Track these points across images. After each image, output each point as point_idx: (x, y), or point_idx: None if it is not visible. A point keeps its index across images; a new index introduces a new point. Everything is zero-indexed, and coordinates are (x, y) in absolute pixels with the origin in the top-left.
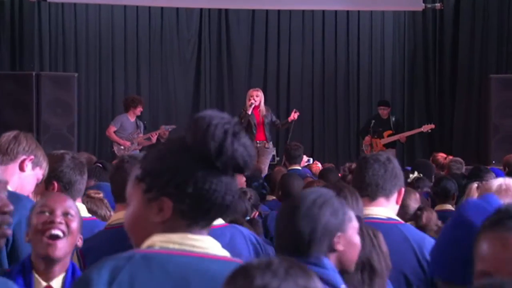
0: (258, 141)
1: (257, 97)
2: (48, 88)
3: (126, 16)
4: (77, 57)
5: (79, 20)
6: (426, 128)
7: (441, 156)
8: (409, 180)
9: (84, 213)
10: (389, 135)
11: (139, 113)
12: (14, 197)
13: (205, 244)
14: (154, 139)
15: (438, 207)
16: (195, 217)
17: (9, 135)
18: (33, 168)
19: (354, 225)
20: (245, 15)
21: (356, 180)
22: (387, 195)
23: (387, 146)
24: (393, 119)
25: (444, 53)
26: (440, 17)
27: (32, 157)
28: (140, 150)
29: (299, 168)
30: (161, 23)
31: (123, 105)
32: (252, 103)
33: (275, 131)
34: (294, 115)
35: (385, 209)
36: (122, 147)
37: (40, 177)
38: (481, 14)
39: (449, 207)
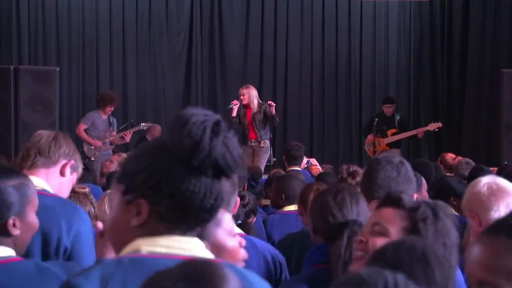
0: (251, 140)
1: (244, 96)
2: (27, 83)
3: (112, 5)
4: (58, 50)
5: (61, 10)
6: (433, 126)
7: (450, 156)
8: None
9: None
10: (393, 134)
11: (109, 112)
12: (72, 208)
13: (193, 246)
14: (128, 138)
15: None
16: (174, 220)
17: (48, 135)
18: (71, 173)
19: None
20: (239, 4)
21: (367, 182)
22: None
23: (391, 145)
24: (398, 117)
25: (453, 46)
26: (449, 6)
27: (72, 162)
28: (114, 151)
29: (299, 169)
30: (149, 13)
31: (96, 101)
32: (232, 106)
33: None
34: (271, 103)
35: None
36: (92, 147)
37: (75, 182)
38: (493, 2)
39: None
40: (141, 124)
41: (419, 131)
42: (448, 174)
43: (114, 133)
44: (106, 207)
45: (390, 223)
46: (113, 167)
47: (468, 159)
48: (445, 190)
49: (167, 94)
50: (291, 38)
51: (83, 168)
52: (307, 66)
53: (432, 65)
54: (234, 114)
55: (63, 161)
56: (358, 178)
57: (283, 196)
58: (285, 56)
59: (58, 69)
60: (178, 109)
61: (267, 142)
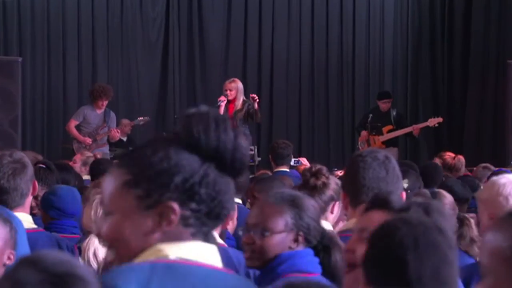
0: None
1: (231, 91)
2: None
3: None
4: (21, 38)
5: None
6: (433, 122)
7: (449, 155)
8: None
9: (29, 224)
10: (389, 131)
11: (102, 107)
12: (5, 216)
13: (215, 255)
14: (117, 136)
15: None
16: (197, 224)
17: None
18: None
19: None
20: None
21: (352, 184)
22: None
23: (388, 143)
24: (394, 112)
25: (454, 35)
26: None
27: None
28: (111, 150)
29: (287, 170)
30: None
31: (88, 95)
32: (220, 103)
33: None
34: (254, 97)
35: None
36: (82, 144)
37: None
38: None
39: None
40: (138, 118)
41: (415, 128)
42: (447, 174)
43: (115, 128)
44: (94, 213)
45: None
46: (77, 167)
47: (486, 164)
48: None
49: (141, 87)
50: (277, 26)
51: (45, 169)
52: (295, 58)
53: (432, 56)
54: (222, 111)
55: None
56: (324, 179)
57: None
58: (271, 45)
59: (20, 59)
60: (153, 102)
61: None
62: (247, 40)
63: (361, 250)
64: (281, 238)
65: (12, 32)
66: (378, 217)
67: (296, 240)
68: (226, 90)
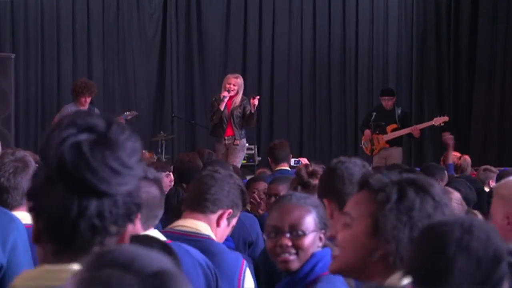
0: (226, 137)
1: (235, 86)
2: None
3: None
4: (14, 34)
5: None
6: (439, 121)
7: (454, 155)
8: None
9: (28, 221)
10: (393, 130)
11: (85, 104)
12: (5, 216)
13: (64, 275)
14: None
15: None
16: (52, 239)
17: None
18: None
19: None
20: None
21: (335, 189)
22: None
23: (392, 143)
24: (399, 111)
25: (461, 31)
26: None
27: None
28: None
29: (287, 168)
30: None
31: (71, 92)
32: (224, 97)
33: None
34: (253, 101)
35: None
36: None
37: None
38: None
39: None
40: (124, 113)
41: (415, 129)
42: (452, 175)
43: None
44: None
45: (357, 210)
46: None
47: (487, 166)
48: None
49: (138, 85)
50: (278, 21)
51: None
52: (296, 54)
53: (437, 52)
54: (223, 107)
55: None
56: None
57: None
58: (272, 42)
59: (13, 56)
60: (150, 100)
61: (243, 140)
62: (247, 36)
63: (341, 233)
64: (313, 237)
65: (5, 28)
66: (357, 199)
67: (320, 239)
68: (230, 85)
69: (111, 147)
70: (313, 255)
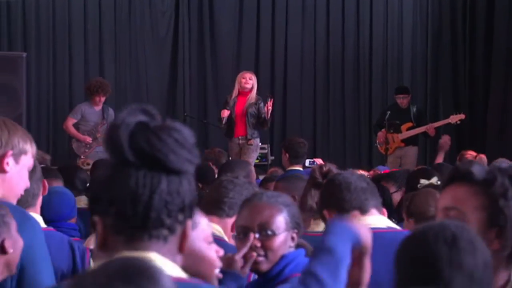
0: (239, 137)
1: (250, 80)
2: None
3: None
4: (25, 33)
5: None
6: (455, 119)
7: (470, 154)
8: (419, 186)
9: (41, 224)
10: (408, 129)
11: (99, 103)
12: (21, 215)
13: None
14: None
15: None
16: (124, 227)
17: None
18: (16, 162)
19: None
20: None
21: (335, 199)
22: None
23: (407, 142)
24: (414, 109)
25: (476, 27)
26: None
27: (9, 151)
28: None
29: (301, 169)
30: None
31: (85, 91)
32: (223, 118)
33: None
34: (268, 107)
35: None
36: (82, 143)
37: (31, 162)
38: None
39: None
40: None
41: (430, 127)
42: None
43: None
44: None
45: (464, 204)
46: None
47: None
48: None
49: (150, 83)
50: (291, 18)
51: (44, 168)
52: (309, 52)
53: (452, 49)
54: (224, 122)
55: None
56: None
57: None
58: (285, 40)
59: (25, 55)
60: (162, 99)
61: (257, 139)
62: (260, 34)
63: None
64: (284, 237)
65: (16, 26)
66: (460, 192)
67: (292, 239)
68: (245, 79)
69: (172, 128)
70: (284, 256)
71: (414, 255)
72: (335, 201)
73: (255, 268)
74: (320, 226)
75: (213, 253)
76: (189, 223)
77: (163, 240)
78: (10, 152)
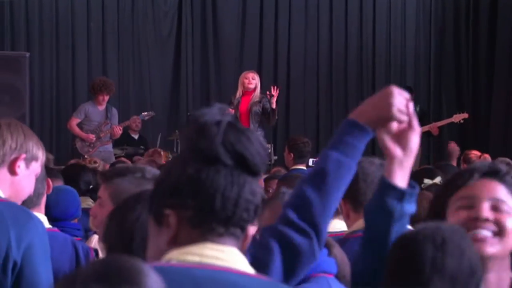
0: None
1: (253, 80)
2: None
3: None
4: (28, 33)
5: None
6: (458, 118)
7: (474, 154)
8: (422, 186)
9: (45, 224)
10: None
11: (103, 102)
12: (25, 214)
13: (229, 256)
14: (118, 134)
15: None
16: (205, 221)
17: None
18: (27, 166)
19: None
20: None
21: (350, 190)
22: None
23: None
24: (417, 108)
25: (480, 27)
26: None
27: (23, 154)
28: (122, 148)
29: (304, 169)
30: None
31: (88, 90)
32: (244, 91)
33: (268, 126)
34: (273, 90)
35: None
36: (86, 143)
37: (39, 170)
38: None
39: None
40: (142, 113)
41: (433, 127)
42: None
43: (116, 125)
44: None
45: (508, 202)
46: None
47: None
48: None
49: (153, 84)
50: (294, 19)
51: (46, 167)
52: (312, 52)
53: (456, 48)
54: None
55: (11, 158)
56: None
57: None
58: (288, 40)
59: (28, 54)
60: (165, 99)
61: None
62: (263, 34)
63: (508, 222)
64: None
65: (19, 26)
66: (489, 187)
67: None
68: (248, 79)
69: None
70: None
71: (401, 253)
72: (351, 192)
73: None
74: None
75: None
76: (250, 230)
77: (236, 238)
78: (24, 156)
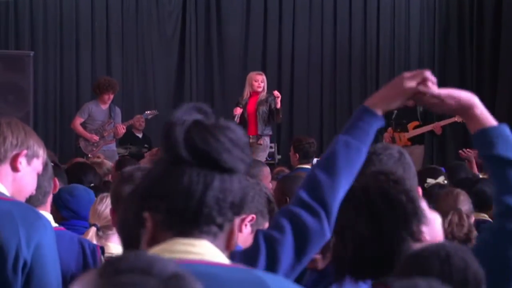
0: (250, 136)
1: (262, 83)
2: None
3: None
4: (32, 32)
5: None
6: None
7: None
8: (426, 186)
9: (52, 222)
10: (415, 127)
11: (108, 101)
12: (33, 214)
13: (201, 249)
14: (121, 133)
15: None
16: (176, 223)
17: None
18: (28, 162)
19: None
20: None
21: None
22: None
23: (413, 141)
24: (421, 108)
25: (484, 25)
26: None
27: (24, 151)
28: (125, 147)
29: (309, 167)
30: None
31: (92, 90)
32: (236, 115)
33: (274, 123)
34: (277, 101)
35: None
36: (89, 142)
37: (40, 168)
38: None
39: (485, 216)
40: (145, 112)
41: (436, 126)
42: (480, 175)
43: (120, 124)
44: (100, 207)
45: None
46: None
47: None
48: (484, 200)
49: (157, 83)
50: (298, 19)
51: (53, 166)
52: (316, 51)
53: (460, 48)
54: (238, 112)
55: (12, 154)
56: None
57: (287, 199)
58: (292, 39)
59: (32, 54)
60: (169, 100)
61: (267, 139)
62: (267, 33)
63: None
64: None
65: (23, 26)
66: None
67: None
68: (257, 82)
69: (227, 127)
70: None
71: (409, 270)
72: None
73: (312, 266)
74: None
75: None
76: (237, 221)
77: (212, 236)
78: (25, 152)
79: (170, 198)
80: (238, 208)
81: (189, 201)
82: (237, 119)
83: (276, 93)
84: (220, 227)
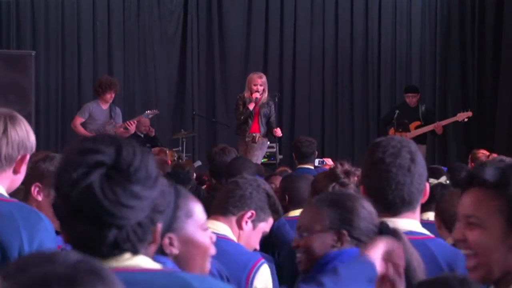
0: (252, 133)
1: (261, 86)
2: None
3: None
4: (34, 32)
5: None
6: (462, 116)
7: (482, 153)
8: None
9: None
10: (416, 127)
11: (110, 100)
12: (35, 215)
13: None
14: (132, 129)
15: None
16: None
17: None
18: (26, 163)
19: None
20: None
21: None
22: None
23: (415, 140)
24: (423, 108)
25: (485, 25)
26: None
27: (28, 154)
28: None
29: (311, 167)
30: None
31: (93, 90)
32: (256, 98)
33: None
34: (277, 132)
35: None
36: None
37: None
38: None
39: None
40: (146, 111)
41: (437, 126)
42: None
43: (120, 124)
44: None
45: (482, 210)
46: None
47: (502, 157)
48: None
49: (158, 82)
50: (300, 19)
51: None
52: (318, 52)
53: (461, 48)
54: (252, 107)
55: (17, 159)
56: (353, 179)
57: (287, 198)
58: (293, 39)
59: (33, 53)
60: (171, 99)
61: (266, 139)
62: (269, 33)
63: (472, 236)
64: (320, 237)
65: (25, 25)
66: (476, 197)
67: (339, 239)
68: (257, 85)
69: (123, 182)
70: (324, 255)
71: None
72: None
73: (300, 269)
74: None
75: (208, 239)
76: (157, 228)
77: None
78: (28, 156)
79: (72, 243)
80: (152, 224)
81: (87, 250)
82: (245, 115)
83: (277, 130)
84: (135, 250)
